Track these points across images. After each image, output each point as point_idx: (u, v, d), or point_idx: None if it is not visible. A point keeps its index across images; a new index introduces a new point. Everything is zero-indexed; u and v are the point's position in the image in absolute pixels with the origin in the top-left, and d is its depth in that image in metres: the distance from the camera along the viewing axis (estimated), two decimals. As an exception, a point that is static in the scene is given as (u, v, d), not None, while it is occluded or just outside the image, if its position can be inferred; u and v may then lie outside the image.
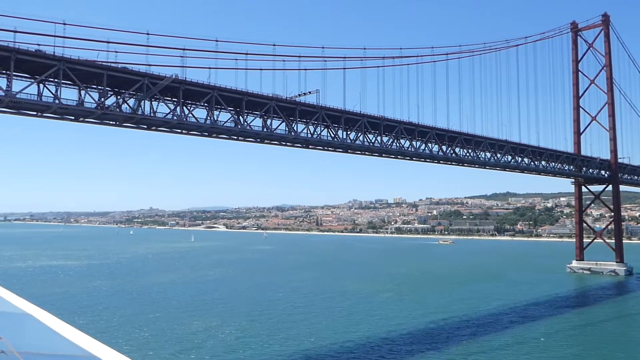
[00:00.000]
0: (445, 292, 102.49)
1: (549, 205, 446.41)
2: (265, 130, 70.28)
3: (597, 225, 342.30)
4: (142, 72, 57.66)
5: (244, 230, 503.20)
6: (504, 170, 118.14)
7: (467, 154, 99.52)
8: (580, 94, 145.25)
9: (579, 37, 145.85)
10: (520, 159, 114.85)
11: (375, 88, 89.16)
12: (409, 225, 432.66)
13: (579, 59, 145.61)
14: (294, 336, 65.86)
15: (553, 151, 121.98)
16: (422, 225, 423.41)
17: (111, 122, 61.66)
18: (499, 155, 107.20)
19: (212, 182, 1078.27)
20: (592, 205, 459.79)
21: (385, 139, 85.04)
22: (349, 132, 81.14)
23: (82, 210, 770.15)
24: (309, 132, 76.58)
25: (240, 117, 67.34)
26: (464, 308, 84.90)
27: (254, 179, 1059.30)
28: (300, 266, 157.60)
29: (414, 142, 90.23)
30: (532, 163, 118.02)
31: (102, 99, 55.86)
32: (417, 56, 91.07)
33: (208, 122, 64.41)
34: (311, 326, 71.65)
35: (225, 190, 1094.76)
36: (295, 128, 73.26)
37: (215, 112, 65.95)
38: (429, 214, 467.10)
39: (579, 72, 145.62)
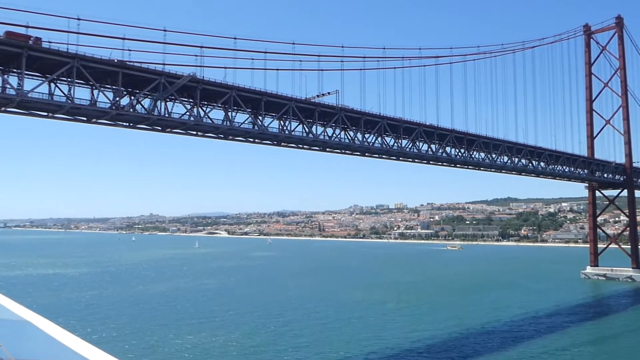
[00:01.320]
0: (462, 301, 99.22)
1: (551, 210, 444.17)
2: (284, 132, 67.54)
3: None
4: (159, 71, 54.92)
5: (246, 236, 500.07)
6: (520, 174, 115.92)
7: (486, 157, 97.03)
8: (593, 98, 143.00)
9: (592, 39, 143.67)
10: (536, 162, 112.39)
11: (392, 89, 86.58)
12: (413, 231, 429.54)
13: (592, 61, 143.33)
14: (305, 346, 62.37)
15: (570, 155, 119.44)
16: (426, 231, 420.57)
17: (124, 124, 58.89)
18: (515, 159, 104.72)
19: (211, 187, 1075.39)
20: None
21: (403, 142, 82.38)
22: (366, 135, 78.43)
23: (82, 217, 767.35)
24: (326, 134, 74.06)
25: (259, 118, 64.59)
26: (483, 318, 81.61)
27: (254, 185, 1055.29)
28: (306, 273, 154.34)
29: (432, 146, 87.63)
30: (548, 167, 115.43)
31: (117, 99, 53.09)
32: (436, 57, 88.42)
33: (226, 123, 61.64)
34: (322, 337, 67.97)
35: (225, 196, 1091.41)
36: (314, 130, 70.52)
37: (231, 113, 63.23)
38: (431, 220, 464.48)
39: (592, 75, 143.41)
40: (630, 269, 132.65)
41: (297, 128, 70.91)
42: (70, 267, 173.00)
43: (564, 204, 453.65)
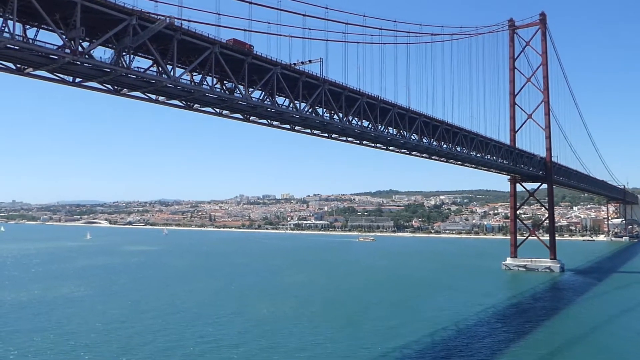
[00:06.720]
0: (396, 309, 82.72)
1: (432, 202, 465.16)
2: (265, 103, 55.60)
3: (487, 222, 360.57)
4: (129, 9, 40.78)
5: (131, 226, 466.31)
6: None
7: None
8: (516, 92, 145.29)
9: (516, 34, 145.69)
10: (475, 152, 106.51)
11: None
12: (308, 222, 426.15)
13: (515, 56, 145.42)
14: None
15: (507, 147, 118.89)
16: (321, 222, 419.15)
17: (68, 78, 43.69)
18: (459, 148, 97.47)
19: (82, 174, 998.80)
20: (473, 203, 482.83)
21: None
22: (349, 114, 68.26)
23: None
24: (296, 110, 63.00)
25: (241, 85, 52.24)
26: (425, 330, 67.08)
27: (129, 171, 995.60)
28: (214, 271, 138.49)
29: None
30: (483, 156, 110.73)
31: (74, 41, 38.27)
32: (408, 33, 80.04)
33: (206, 87, 48.68)
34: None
35: (97, 184, 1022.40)
36: (297, 104, 59.38)
37: (209, 76, 50.38)
38: (321, 210, 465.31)
39: (515, 70, 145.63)
40: (549, 259, 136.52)
41: (266, 99, 59.25)
42: None
43: (442, 197, 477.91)
